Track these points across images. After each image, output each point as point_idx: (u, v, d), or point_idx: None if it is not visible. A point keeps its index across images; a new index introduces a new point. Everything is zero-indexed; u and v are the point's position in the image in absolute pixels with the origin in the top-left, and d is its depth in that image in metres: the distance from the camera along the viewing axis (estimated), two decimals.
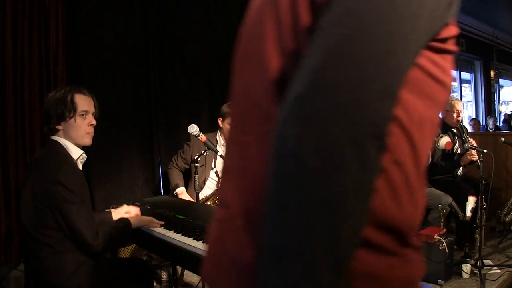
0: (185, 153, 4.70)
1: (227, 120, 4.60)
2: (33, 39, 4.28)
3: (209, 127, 4.83)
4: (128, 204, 3.45)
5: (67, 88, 2.83)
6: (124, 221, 2.95)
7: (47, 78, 4.36)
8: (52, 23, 4.38)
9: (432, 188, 5.79)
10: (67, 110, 2.75)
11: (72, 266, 2.61)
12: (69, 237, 2.60)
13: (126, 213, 3.24)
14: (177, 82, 5.34)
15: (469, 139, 5.73)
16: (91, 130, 2.90)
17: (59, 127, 2.76)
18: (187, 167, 4.73)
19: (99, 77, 4.76)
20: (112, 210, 3.27)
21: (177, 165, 4.73)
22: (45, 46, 4.36)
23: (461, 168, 6.02)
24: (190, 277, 4.78)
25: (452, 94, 12.40)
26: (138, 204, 3.60)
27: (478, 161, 5.35)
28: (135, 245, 4.35)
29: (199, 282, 4.25)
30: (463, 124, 6.15)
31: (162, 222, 3.09)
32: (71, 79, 4.51)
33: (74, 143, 2.82)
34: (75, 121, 2.79)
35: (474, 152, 5.53)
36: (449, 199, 5.47)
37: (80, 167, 2.81)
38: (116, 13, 4.88)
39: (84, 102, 2.84)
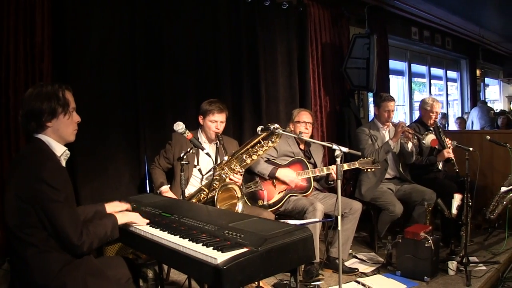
0: (167, 152, 4.70)
1: (208, 118, 4.60)
2: (19, 35, 4.26)
3: (196, 125, 4.81)
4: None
5: (55, 84, 2.78)
6: (109, 218, 2.92)
7: (33, 75, 4.34)
8: (38, 19, 4.35)
9: (415, 184, 5.85)
10: (61, 106, 2.72)
11: (57, 265, 2.57)
12: (53, 236, 2.57)
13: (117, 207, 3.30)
14: (163, 79, 5.32)
15: (444, 138, 5.86)
16: (76, 127, 2.89)
17: (49, 124, 2.71)
18: (170, 166, 4.73)
19: (85, 74, 4.74)
20: (106, 204, 3.28)
21: (160, 165, 4.73)
22: (30, 43, 4.33)
23: (441, 163, 6.16)
24: (177, 275, 4.77)
25: (438, 95, 12.52)
26: (124, 202, 3.59)
27: (453, 159, 5.59)
28: (121, 243, 4.33)
29: (185, 281, 4.23)
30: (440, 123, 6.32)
31: (147, 221, 3.08)
32: (57, 76, 4.48)
33: (60, 140, 2.79)
34: (69, 118, 2.78)
35: (451, 150, 5.75)
36: (433, 195, 5.52)
37: (64, 164, 2.77)
38: (103, 9, 4.85)
39: (72, 99, 2.83)
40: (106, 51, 4.89)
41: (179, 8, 5.47)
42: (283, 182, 5.04)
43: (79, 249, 2.60)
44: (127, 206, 3.39)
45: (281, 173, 5.02)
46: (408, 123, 6.99)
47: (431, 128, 6.19)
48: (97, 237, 2.70)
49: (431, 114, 6.21)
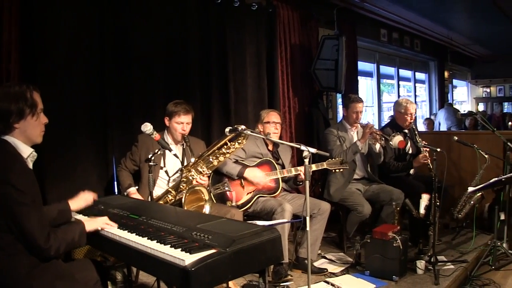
0: (133, 154, 4.66)
1: (174, 119, 4.59)
2: None
3: (164, 126, 4.79)
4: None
5: (23, 85, 2.74)
6: (78, 224, 2.89)
7: None
8: (5, 18, 4.26)
9: (383, 184, 5.88)
10: (28, 107, 2.69)
11: (24, 269, 2.54)
12: (20, 239, 2.54)
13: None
14: (132, 80, 5.28)
15: (420, 140, 5.86)
16: (44, 128, 2.85)
17: (17, 125, 2.68)
18: (137, 168, 4.69)
19: (53, 74, 4.67)
20: (69, 201, 3.27)
21: (126, 167, 4.69)
22: None
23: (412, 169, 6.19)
24: (146, 277, 4.74)
25: (407, 96, 12.65)
26: (91, 204, 3.55)
27: (430, 164, 5.53)
28: (89, 246, 4.29)
29: (154, 283, 4.21)
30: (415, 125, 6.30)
31: (116, 225, 3.05)
32: (24, 76, 4.40)
33: (27, 142, 2.75)
34: (36, 119, 2.75)
35: (427, 155, 5.71)
36: (401, 195, 5.56)
37: (31, 166, 2.74)
38: (71, 10, 4.79)
39: (40, 100, 2.79)
40: (75, 52, 4.83)
41: (148, 9, 5.44)
42: (252, 183, 5.04)
43: (46, 252, 2.57)
44: (91, 196, 3.45)
45: (249, 173, 5.01)
46: (376, 124, 7.00)
47: (406, 131, 6.21)
48: (64, 241, 2.68)
49: (405, 116, 6.18)
